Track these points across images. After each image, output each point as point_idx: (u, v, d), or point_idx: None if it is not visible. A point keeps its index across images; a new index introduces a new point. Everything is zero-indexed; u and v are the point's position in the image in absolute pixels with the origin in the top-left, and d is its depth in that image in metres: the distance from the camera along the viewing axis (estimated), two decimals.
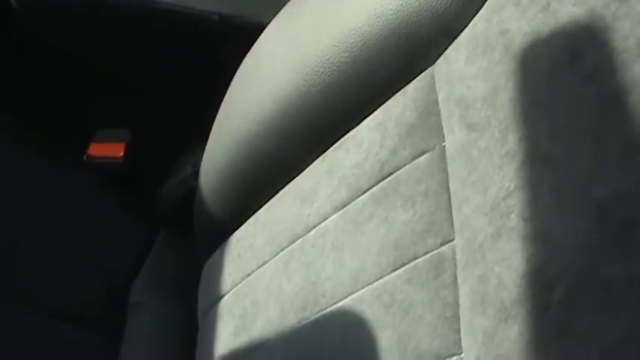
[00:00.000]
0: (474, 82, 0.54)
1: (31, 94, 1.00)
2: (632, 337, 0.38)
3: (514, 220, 0.46)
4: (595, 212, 0.42)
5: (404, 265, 0.55)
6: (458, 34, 0.57)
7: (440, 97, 0.57)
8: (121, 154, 0.97)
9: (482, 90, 0.53)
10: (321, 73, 0.65)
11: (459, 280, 0.50)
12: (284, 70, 0.68)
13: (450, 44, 0.58)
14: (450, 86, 0.56)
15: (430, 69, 0.59)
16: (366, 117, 0.64)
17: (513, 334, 0.44)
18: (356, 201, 0.62)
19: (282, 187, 0.71)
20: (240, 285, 0.73)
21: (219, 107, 0.77)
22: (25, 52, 0.98)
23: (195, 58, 0.93)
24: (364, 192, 0.61)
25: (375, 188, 0.61)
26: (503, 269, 0.46)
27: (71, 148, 0.97)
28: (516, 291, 0.44)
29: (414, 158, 0.58)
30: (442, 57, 0.58)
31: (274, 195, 0.72)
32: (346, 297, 0.59)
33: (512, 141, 0.49)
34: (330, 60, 0.64)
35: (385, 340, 0.54)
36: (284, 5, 0.72)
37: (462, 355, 0.48)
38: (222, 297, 0.76)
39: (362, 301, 0.58)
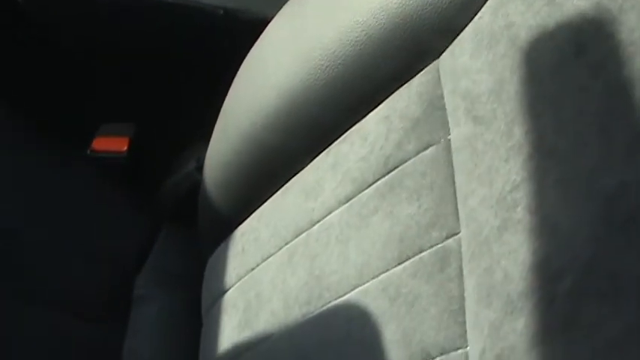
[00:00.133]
0: (479, 76, 0.54)
1: (35, 88, 1.00)
2: (638, 328, 0.38)
3: (520, 212, 0.46)
4: (601, 204, 0.42)
5: (409, 258, 0.55)
6: (463, 28, 0.57)
7: (445, 91, 0.57)
8: (125, 148, 0.97)
9: (487, 83, 0.53)
10: (326, 67, 0.65)
11: (464, 273, 0.50)
12: (288, 63, 0.68)
13: (454, 38, 0.58)
14: (456, 80, 0.56)
15: (435, 63, 0.59)
16: (371, 111, 0.64)
17: (519, 327, 0.44)
18: (361, 195, 0.62)
19: (286, 181, 0.71)
20: (244, 279, 0.74)
21: (223, 101, 0.77)
22: (30, 46, 0.98)
23: (200, 52, 0.93)
24: (369, 186, 0.61)
25: (379, 182, 0.61)
26: (509, 262, 0.46)
27: (75, 143, 0.97)
28: (522, 283, 0.44)
29: (419, 152, 0.58)
30: (447, 51, 0.58)
31: (279, 189, 0.72)
32: (351, 290, 0.59)
33: (518, 134, 0.49)
34: (335, 54, 0.64)
35: (390, 334, 0.54)
36: (288, 0, 0.72)
37: (467, 348, 0.48)
38: (226, 291, 0.76)
39: (367, 294, 0.58)
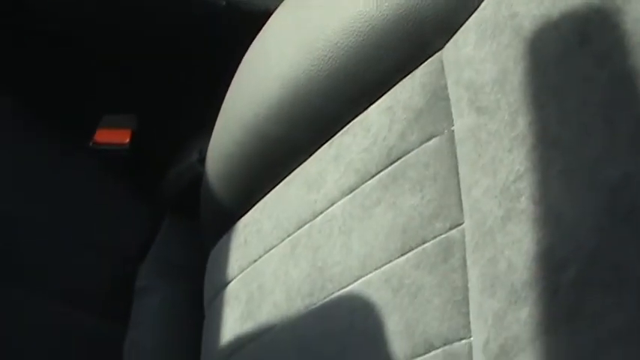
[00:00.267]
0: (483, 66, 0.54)
1: (37, 80, 1.00)
2: None
3: (524, 202, 0.46)
4: (605, 194, 0.42)
5: (412, 249, 0.55)
6: (466, 19, 0.57)
7: (449, 82, 0.57)
8: (127, 140, 0.96)
9: (491, 74, 0.53)
10: (329, 58, 0.65)
11: (468, 263, 0.50)
12: (291, 54, 0.68)
13: (458, 28, 0.57)
14: (459, 70, 0.56)
15: (438, 54, 0.59)
16: (374, 102, 0.64)
17: (523, 317, 0.44)
18: (363, 186, 0.62)
19: (289, 173, 0.71)
20: (246, 270, 0.73)
21: (226, 93, 0.77)
22: (31, 37, 0.98)
23: (202, 43, 0.93)
24: (372, 177, 0.61)
25: (382, 173, 0.61)
26: (513, 252, 0.46)
27: (77, 134, 0.97)
28: (526, 273, 0.44)
29: (422, 142, 0.58)
30: (451, 41, 0.58)
31: (281, 180, 0.72)
32: (354, 282, 0.59)
33: (522, 124, 0.49)
34: (338, 44, 0.64)
35: (393, 325, 0.54)
36: None
37: (471, 338, 0.48)
38: (228, 282, 0.76)
39: (370, 285, 0.58)
